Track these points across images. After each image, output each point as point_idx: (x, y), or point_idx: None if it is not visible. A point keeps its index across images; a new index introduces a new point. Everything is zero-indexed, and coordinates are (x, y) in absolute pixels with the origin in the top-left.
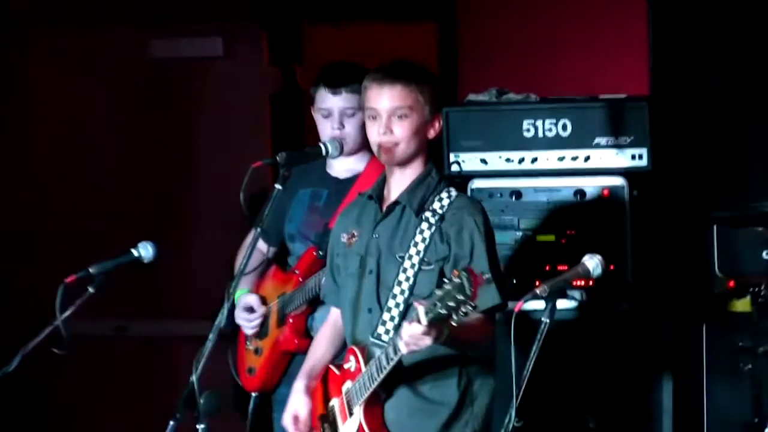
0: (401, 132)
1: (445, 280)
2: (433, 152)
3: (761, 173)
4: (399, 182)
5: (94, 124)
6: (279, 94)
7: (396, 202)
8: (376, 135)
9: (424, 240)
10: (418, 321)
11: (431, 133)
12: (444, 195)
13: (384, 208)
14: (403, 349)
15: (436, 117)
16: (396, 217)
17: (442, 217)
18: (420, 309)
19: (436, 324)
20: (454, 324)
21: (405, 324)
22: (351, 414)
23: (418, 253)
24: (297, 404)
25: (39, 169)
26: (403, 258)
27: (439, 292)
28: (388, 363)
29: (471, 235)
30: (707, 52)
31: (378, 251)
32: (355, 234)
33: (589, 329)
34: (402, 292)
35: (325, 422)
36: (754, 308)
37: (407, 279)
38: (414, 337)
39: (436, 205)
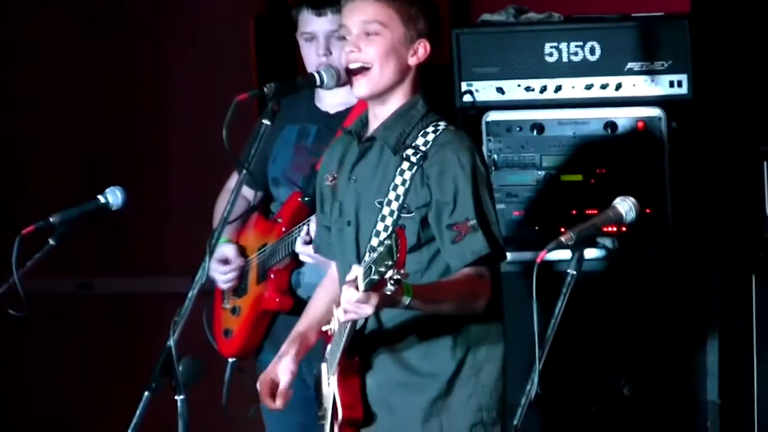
0: (372, 51)
1: (378, 242)
2: (440, 82)
3: None
4: (378, 116)
5: (61, 52)
6: (264, 17)
7: (371, 138)
8: (343, 56)
9: (404, 183)
10: (354, 286)
11: (413, 59)
12: (430, 130)
13: (362, 147)
14: (341, 317)
15: (420, 40)
16: (375, 156)
17: (425, 156)
18: (358, 271)
19: (375, 289)
20: (387, 293)
21: (343, 288)
22: (329, 384)
23: (397, 198)
24: (280, 368)
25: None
26: (381, 204)
27: (373, 255)
28: (344, 329)
29: (454, 177)
30: None
31: (357, 197)
32: (336, 176)
33: (622, 282)
34: (381, 243)
35: (318, 389)
36: None
37: (386, 229)
38: (351, 303)
39: (420, 141)
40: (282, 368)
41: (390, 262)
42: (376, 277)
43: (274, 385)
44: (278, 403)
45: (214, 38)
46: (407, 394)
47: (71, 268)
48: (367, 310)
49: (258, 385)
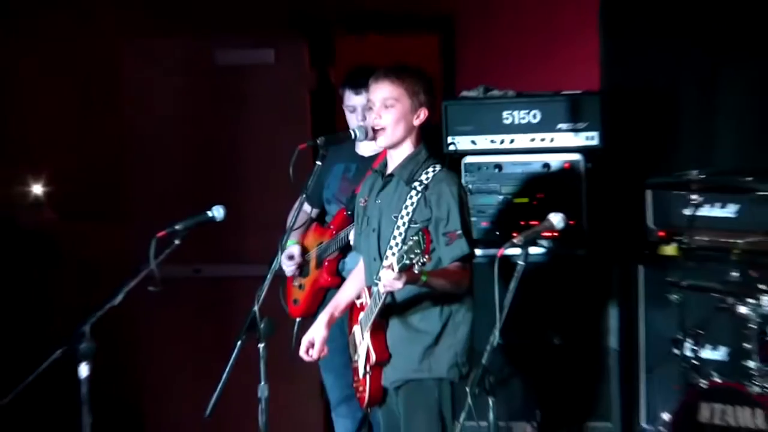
0: (389, 118)
1: (408, 239)
2: (434, 136)
3: (685, 151)
4: (394, 159)
5: (176, 116)
6: (316, 91)
7: (391, 175)
8: (371, 120)
9: (412, 204)
10: (390, 266)
11: (417, 121)
12: (430, 170)
13: (384, 180)
14: (381, 289)
15: (422, 108)
16: (393, 186)
17: (426, 187)
18: (393, 259)
19: (406, 271)
20: (415, 272)
21: (382, 270)
22: (363, 338)
23: (408, 214)
24: (315, 332)
25: (131, 152)
26: (396, 218)
27: (404, 247)
28: (379, 299)
29: (448, 202)
30: (645, 58)
31: (379, 213)
32: (367, 200)
33: (554, 270)
34: (396, 245)
35: (351, 343)
36: (680, 252)
37: (400, 234)
38: (388, 280)
39: (423, 177)
40: (317, 333)
41: (419, 251)
42: (407, 262)
43: (310, 344)
44: (314, 356)
45: (283, 105)
46: (410, 345)
47: (187, 258)
48: (398, 285)
49: (302, 345)
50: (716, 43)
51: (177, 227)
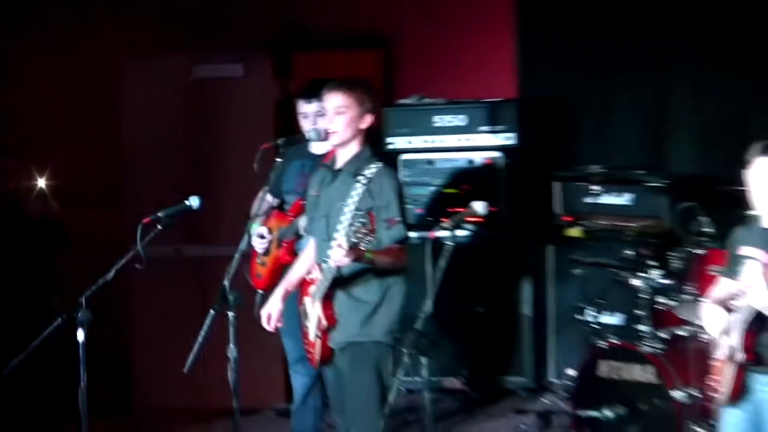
0: (339, 123)
1: (355, 222)
2: (376, 137)
3: (587, 149)
4: (343, 157)
5: (163, 120)
6: (279, 100)
7: (340, 170)
8: (325, 125)
9: (358, 194)
10: (340, 245)
11: (362, 126)
12: (372, 166)
13: (333, 174)
14: (332, 264)
15: (367, 114)
16: (341, 180)
17: (370, 180)
18: (342, 239)
19: (353, 249)
20: (362, 248)
21: (332, 246)
22: (313, 307)
23: (354, 203)
24: (272, 305)
25: (125, 151)
26: (344, 206)
27: (352, 228)
28: (329, 273)
29: (388, 193)
30: (555, 71)
31: (329, 202)
32: (319, 191)
33: (478, 249)
34: (343, 228)
35: (303, 312)
36: (583, 234)
37: (347, 219)
38: (338, 256)
39: (367, 172)
40: (273, 306)
41: (365, 231)
42: (355, 240)
43: (269, 316)
44: (272, 325)
45: (252, 112)
46: (353, 312)
47: (169, 240)
48: (347, 260)
49: (263, 317)
50: (612, 60)
51: (159, 214)
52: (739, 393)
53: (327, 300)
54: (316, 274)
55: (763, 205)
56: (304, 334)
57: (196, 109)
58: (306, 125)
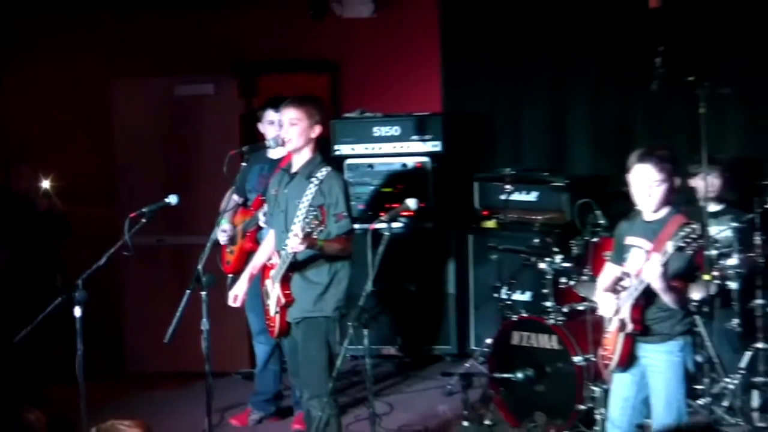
0: (293, 133)
1: (308, 215)
2: (326, 145)
3: (501, 154)
4: (297, 162)
5: (149, 131)
6: (244, 114)
7: (296, 173)
8: (282, 134)
9: (311, 193)
10: (296, 235)
11: (313, 135)
12: (323, 169)
13: (290, 176)
14: (289, 250)
15: (317, 125)
16: (296, 181)
17: (321, 181)
18: (298, 230)
19: (307, 238)
20: (315, 237)
21: (290, 235)
22: (274, 287)
23: (307, 200)
24: (239, 287)
25: (117, 157)
26: (299, 203)
27: (306, 220)
28: (287, 258)
29: (336, 192)
30: (473, 89)
31: (287, 199)
32: (278, 190)
33: (410, 238)
34: (299, 221)
35: (264, 292)
36: (497, 225)
37: (301, 214)
38: (294, 244)
39: (318, 174)
40: (239, 288)
41: (317, 222)
42: (309, 230)
43: (235, 295)
44: (238, 303)
45: (221, 124)
46: (307, 292)
47: (153, 231)
48: (301, 247)
49: (229, 299)
50: (521, 80)
51: (144, 210)
52: (628, 360)
53: (285, 281)
54: (275, 260)
55: (642, 203)
56: (266, 311)
57: (176, 121)
58: (271, 132)
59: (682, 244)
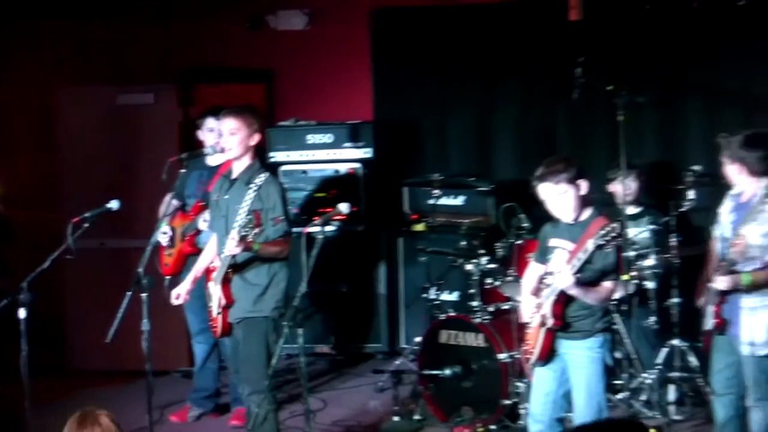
0: (232, 141)
1: (245, 218)
2: (262, 152)
3: (429, 160)
4: (237, 168)
5: (92, 138)
6: (182, 123)
7: (236, 179)
8: (222, 143)
9: (250, 199)
10: (233, 238)
11: (251, 143)
12: (261, 176)
13: (230, 183)
14: (227, 253)
15: (255, 134)
16: (237, 187)
17: (259, 187)
18: (235, 231)
19: (243, 241)
20: (251, 240)
21: (228, 240)
22: (215, 289)
23: (247, 205)
24: (183, 286)
25: (61, 165)
26: (238, 208)
27: (242, 224)
28: (226, 261)
29: (274, 198)
30: (402, 99)
31: (227, 205)
32: (219, 196)
33: (343, 240)
34: (238, 225)
35: (207, 294)
36: (426, 228)
37: (241, 218)
38: (231, 247)
39: (257, 180)
40: (183, 287)
41: (251, 226)
42: (244, 234)
43: (178, 294)
44: (181, 301)
45: (161, 132)
46: (246, 293)
47: (95, 235)
48: (238, 251)
49: (172, 298)
50: (448, 90)
51: (86, 215)
52: (548, 355)
53: (225, 283)
54: (217, 263)
55: (558, 215)
56: (209, 311)
57: (117, 129)
58: (211, 139)
59: (602, 242)
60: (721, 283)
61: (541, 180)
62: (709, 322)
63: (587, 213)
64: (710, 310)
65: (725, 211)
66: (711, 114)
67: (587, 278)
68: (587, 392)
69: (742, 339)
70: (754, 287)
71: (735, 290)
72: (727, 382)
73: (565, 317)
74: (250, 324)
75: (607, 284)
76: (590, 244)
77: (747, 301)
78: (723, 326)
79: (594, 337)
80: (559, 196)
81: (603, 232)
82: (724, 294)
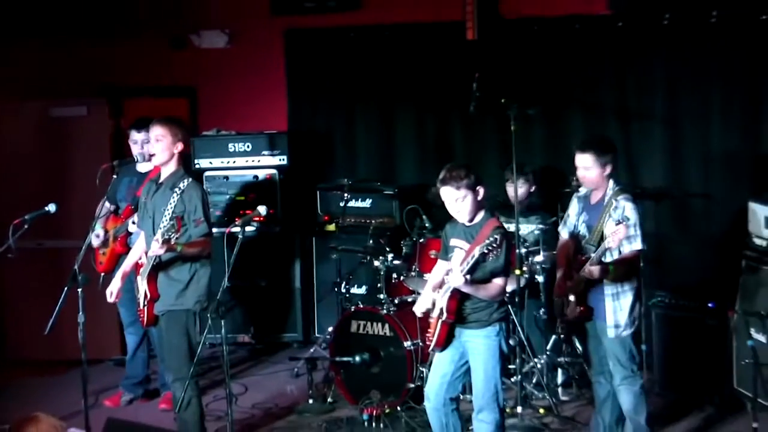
0: (159, 147)
1: (168, 222)
2: (187, 159)
3: (339, 166)
4: (164, 173)
5: (27, 149)
6: (113, 133)
7: (162, 183)
8: (149, 149)
9: (174, 202)
10: (157, 240)
11: (176, 150)
12: (185, 181)
13: (157, 187)
14: (151, 253)
15: (179, 142)
16: (162, 191)
17: (183, 191)
18: (159, 235)
19: (166, 243)
20: (173, 242)
21: (152, 242)
22: (142, 284)
23: (171, 208)
24: (114, 284)
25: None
26: (164, 210)
27: (166, 227)
28: (151, 260)
29: (195, 201)
30: (314, 111)
31: (154, 207)
32: (147, 198)
33: (261, 240)
34: (163, 226)
35: (136, 288)
36: (337, 228)
37: (166, 220)
38: (155, 248)
39: (181, 185)
40: (114, 284)
41: (173, 230)
42: (167, 236)
43: (111, 291)
44: (113, 299)
45: (94, 142)
46: (170, 288)
47: (33, 235)
48: (161, 251)
49: (107, 294)
50: (354, 103)
51: (26, 217)
52: (445, 342)
53: (151, 279)
54: (144, 259)
55: (456, 216)
56: (137, 303)
57: (53, 139)
58: (135, 149)
59: (485, 251)
60: (592, 271)
61: (443, 183)
62: (576, 311)
63: (481, 215)
64: (572, 299)
65: (574, 211)
66: (591, 125)
67: (479, 277)
68: (485, 375)
69: (607, 323)
70: (615, 275)
71: (600, 280)
72: (600, 361)
73: (460, 311)
74: (172, 316)
75: (497, 281)
76: (477, 251)
77: (609, 289)
78: (588, 313)
79: (491, 326)
80: (458, 200)
81: (488, 241)
82: (588, 284)
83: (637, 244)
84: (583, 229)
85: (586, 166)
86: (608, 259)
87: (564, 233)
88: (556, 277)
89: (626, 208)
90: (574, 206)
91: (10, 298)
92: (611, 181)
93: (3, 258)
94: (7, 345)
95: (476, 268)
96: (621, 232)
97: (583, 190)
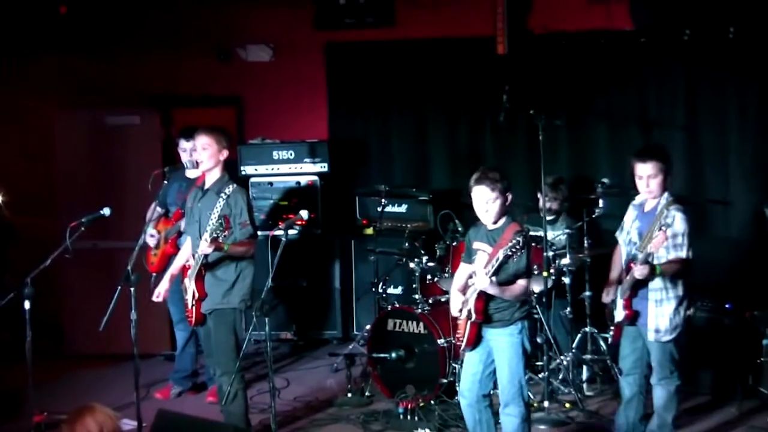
0: (205, 155)
1: (216, 221)
2: (233, 166)
3: (375, 173)
4: (209, 180)
5: (86, 154)
6: (164, 140)
7: (208, 189)
8: (196, 157)
9: (220, 206)
10: (205, 240)
11: (221, 158)
12: (230, 186)
13: (203, 192)
14: (200, 252)
15: (224, 149)
16: (208, 196)
17: (228, 196)
18: (207, 233)
19: (214, 242)
20: (221, 242)
21: (201, 242)
22: (190, 285)
23: (217, 212)
24: (162, 285)
25: (59, 176)
26: (210, 214)
27: (214, 226)
28: (199, 260)
29: (241, 205)
30: (352, 121)
31: (200, 211)
32: (193, 204)
33: (303, 242)
34: (211, 225)
35: (184, 289)
36: (374, 232)
37: (212, 223)
38: (203, 247)
39: (226, 190)
40: (162, 285)
41: (221, 229)
42: (215, 236)
43: (159, 292)
44: (161, 298)
45: (146, 149)
46: (216, 287)
47: (88, 236)
48: (209, 250)
49: (154, 296)
50: (390, 113)
51: (82, 220)
52: (474, 342)
53: (199, 279)
54: (191, 262)
55: (482, 217)
56: (185, 304)
57: (108, 146)
58: (184, 157)
59: (509, 253)
60: (639, 271)
61: (478, 182)
62: (621, 314)
63: (503, 220)
64: (620, 303)
65: (629, 219)
66: (616, 134)
67: (503, 279)
68: (509, 372)
69: (648, 327)
70: (662, 275)
71: (645, 282)
72: (633, 364)
73: (487, 311)
74: (219, 314)
75: (521, 282)
76: (501, 254)
77: (653, 295)
78: (633, 317)
79: (513, 325)
80: (489, 201)
81: (511, 244)
82: (633, 289)
83: (683, 253)
84: (634, 236)
85: (651, 174)
86: (656, 262)
87: (620, 239)
88: (582, 279)
89: (676, 218)
90: (629, 214)
91: (67, 296)
92: (665, 191)
93: (61, 258)
94: (64, 340)
95: (500, 270)
96: (661, 239)
97: (639, 199)
